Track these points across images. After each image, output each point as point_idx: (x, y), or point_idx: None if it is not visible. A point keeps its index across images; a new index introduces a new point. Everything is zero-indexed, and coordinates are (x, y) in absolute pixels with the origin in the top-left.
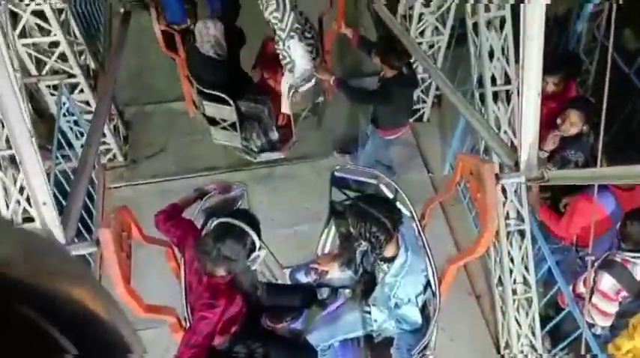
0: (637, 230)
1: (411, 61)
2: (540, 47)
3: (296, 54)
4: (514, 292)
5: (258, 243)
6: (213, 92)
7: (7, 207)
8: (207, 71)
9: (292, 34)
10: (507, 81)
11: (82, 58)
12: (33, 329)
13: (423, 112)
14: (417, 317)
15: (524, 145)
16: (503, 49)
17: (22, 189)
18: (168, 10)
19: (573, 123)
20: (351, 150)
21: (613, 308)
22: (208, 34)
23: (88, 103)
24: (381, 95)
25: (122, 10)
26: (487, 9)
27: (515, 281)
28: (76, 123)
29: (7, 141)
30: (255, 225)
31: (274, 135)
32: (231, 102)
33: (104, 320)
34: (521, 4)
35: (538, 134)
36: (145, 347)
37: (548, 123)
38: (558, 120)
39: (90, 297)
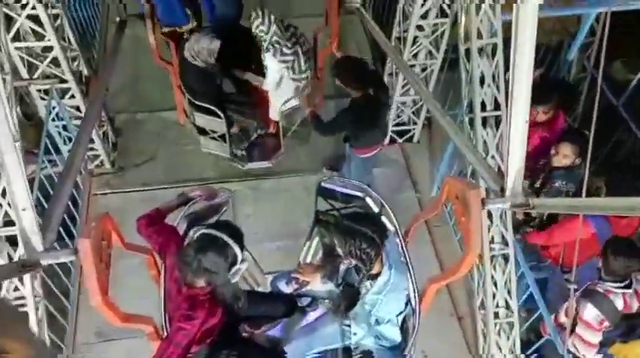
0: (621, 265)
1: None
2: (529, 75)
3: (268, 67)
4: (496, 316)
5: (240, 257)
6: (204, 104)
7: None
8: (198, 81)
9: (269, 46)
10: (497, 107)
11: (75, 64)
12: None
13: (414, 133)
14: (396, 335)
15: (511, 172)
16: (494, 76)
17: (4, 192)
18: (172, 12)
19: (566, 156)
20: (340, 167)
21: (597, 339)
22: (196, 47)
23: (78, 109)
24: (345, 117)
25: (118, 19)
26: (479, 36)
27: (497, 305)
28: (65, 128)
29: None
30: (238, 237)
31: (254, 136)
32: (222, 115)
33: None
34: (512, 35)
35: (524, 161)
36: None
37: (535, 153)
38: (552, 152)
39: None
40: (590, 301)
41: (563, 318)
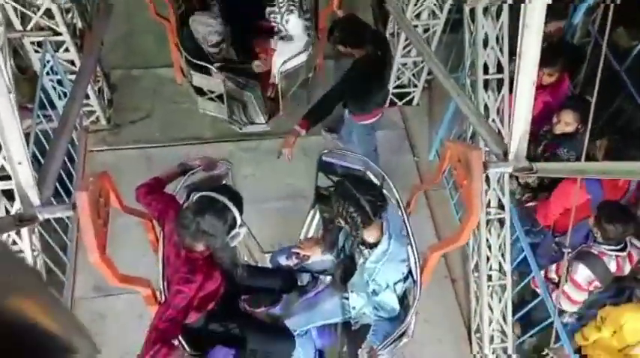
0: (618, 231)
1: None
2: (539, 37)
3: (294, 30)
4: (489, 278)
5: (239, 220)
6: (202, 63)
7: None
8: (196, 46)
9: (292, 7)
10: (499, 70)
11: (69, 16)
12: None
13: (413, 96)
14: (394, 304)
15: (515, 135)
16: (497, 38)
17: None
18: None
19: (568, 123)
20: (339, 129)
21: (582, 297)
22: (193, 25)
23: (73, 63)
24: (349, 79)
25: None
26: None
27: (491, 268)
28: (59, 82)
29: None
30: (237, 201)
31: (260, 119)
32: (220, 74)
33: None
34: None
35: (529, 124)
36: (96, 347)
37: (539, 118)
38: (554, 120)
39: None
40: (582, 262)
41: (552, 274)
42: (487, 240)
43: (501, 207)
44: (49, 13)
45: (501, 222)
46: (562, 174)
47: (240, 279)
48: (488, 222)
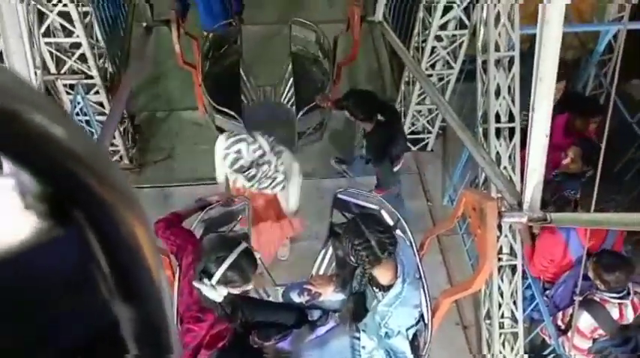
0: (621, 278)
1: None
2: (551, 90)
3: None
4: (501, 326)
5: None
6: (227, 110)
7: None
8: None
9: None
10: (511, 119)
11: (101, 61)
12: None
13: (427, 142)
14: (406, 349)
15: (529, 185)
16: (509, 88)
17: None
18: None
19: (573, 160)
20: (349, 161)
21: (586, 345)
22: None
23: (101, 105)
24: (379, 157)
25: (145, 25)
26: (497, 48)
27: (503, 316)
28: (87, 123)
29: None
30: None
31: None
32: (242, 120)
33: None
34: (536, 47)
35: (543, 175)
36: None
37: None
38: (562, 155)
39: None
40: (586, 310)
41: (559, 321)
42: (499, 287)
43: (513, 253)
44: (82, 58)
45: (513, 268)
46: (578, 224)
47: (251, 316)
48: (500, 268)
